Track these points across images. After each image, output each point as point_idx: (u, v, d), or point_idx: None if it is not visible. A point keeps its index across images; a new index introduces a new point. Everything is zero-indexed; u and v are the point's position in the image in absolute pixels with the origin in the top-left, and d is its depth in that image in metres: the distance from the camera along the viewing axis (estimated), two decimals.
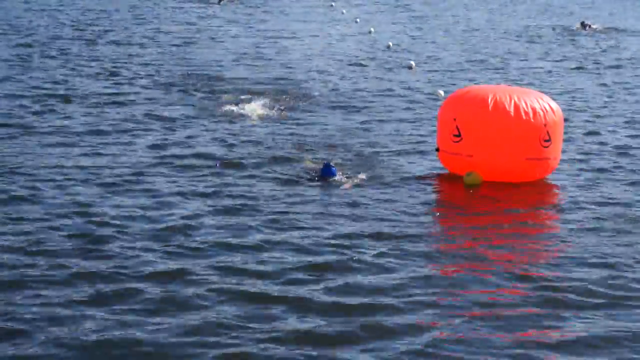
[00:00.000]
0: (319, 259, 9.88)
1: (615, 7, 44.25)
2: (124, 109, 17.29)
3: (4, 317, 8.15)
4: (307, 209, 11.63)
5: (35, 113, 16.47)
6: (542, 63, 26.06)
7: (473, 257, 10.23)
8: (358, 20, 35.99)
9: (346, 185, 12.73)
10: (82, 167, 13.06)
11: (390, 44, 28.51)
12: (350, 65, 24.22)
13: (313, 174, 13.19)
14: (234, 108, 17.42)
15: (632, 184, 13.66)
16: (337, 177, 12.96)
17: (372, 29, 32.49)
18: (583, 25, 35.33)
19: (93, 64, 22.31)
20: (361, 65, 24.26)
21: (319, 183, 12.78)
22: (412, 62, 24.63)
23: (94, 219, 10.80)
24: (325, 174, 12.99)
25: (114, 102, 17.77)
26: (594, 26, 35.41)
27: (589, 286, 9.41)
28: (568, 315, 8.73)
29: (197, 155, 14.03)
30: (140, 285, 8.92)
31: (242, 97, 18.33)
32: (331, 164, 13.19)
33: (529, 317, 8.65)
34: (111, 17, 32.53)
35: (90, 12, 33.68)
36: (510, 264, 10.00)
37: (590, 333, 8.34)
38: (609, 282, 9.59)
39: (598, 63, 26.38)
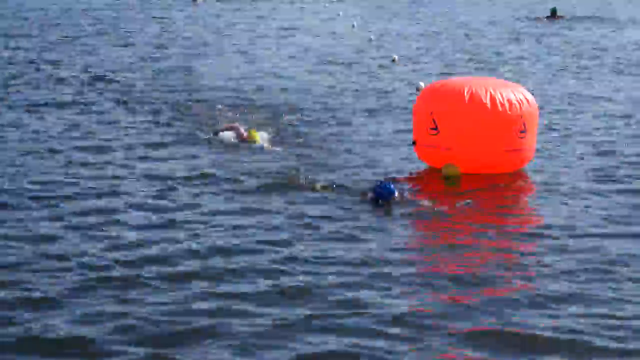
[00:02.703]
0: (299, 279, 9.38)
1: None
2: (107, 120, 16.99)
3: None
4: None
5: (14, 124, 15.98)
6: (530, 56, 26.16)
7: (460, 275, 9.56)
8: (341, 13, 36.01)
9: (317, 187, 12.35)
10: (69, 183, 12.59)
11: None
12: (329, 64, 24.03)
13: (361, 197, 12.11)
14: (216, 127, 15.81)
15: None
16: (396, 194, 11.88)
17: (355, 24, 32.52)
18: (553, 14, 34.69)
19: (86, 70, 22.31)
20: (341, 63, 24.11)
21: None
22: (395, 56, 24.68)
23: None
24: (385, 193, 11.74)
25: (98, 112, 17.18)
26: (564, 16, 35.00)
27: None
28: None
29: (187, 178, 12.86)
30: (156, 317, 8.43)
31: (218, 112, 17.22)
32: (385, 181, 12.04)
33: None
34: (98, 18, 32.48)
35: (76, 13, 33.63)
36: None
37: None
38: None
39: (579, 56, 26.49)
